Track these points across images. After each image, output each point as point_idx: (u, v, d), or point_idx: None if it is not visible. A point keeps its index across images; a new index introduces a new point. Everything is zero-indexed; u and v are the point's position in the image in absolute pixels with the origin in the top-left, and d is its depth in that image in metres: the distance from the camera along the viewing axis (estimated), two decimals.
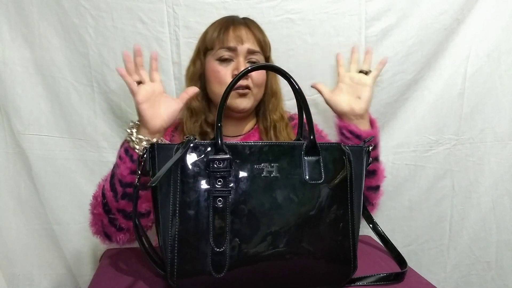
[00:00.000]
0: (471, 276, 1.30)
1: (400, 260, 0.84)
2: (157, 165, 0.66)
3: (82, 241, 1.20)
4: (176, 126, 1.05)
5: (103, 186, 0.85)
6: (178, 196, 0.65)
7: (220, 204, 0.65)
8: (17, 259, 1.17)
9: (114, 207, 0.83)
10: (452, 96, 1.23)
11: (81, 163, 1.19)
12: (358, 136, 0.98)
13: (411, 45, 1.18)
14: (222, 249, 0.64)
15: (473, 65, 1.21)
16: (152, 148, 0.67)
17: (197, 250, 0.64)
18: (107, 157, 1.19)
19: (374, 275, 0.75)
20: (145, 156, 0.68)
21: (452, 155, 1.26)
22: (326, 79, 1.20)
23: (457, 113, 1.23)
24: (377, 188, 1.04)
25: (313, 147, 0.70)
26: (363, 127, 1.00)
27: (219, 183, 0.65)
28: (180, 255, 0.64)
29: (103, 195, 0.83)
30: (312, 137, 0.70)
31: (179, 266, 0.64)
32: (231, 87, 0.69)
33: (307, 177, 0.69)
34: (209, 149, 0.67)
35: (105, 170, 1.18)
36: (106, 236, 0.88)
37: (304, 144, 0.70)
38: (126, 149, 0.83)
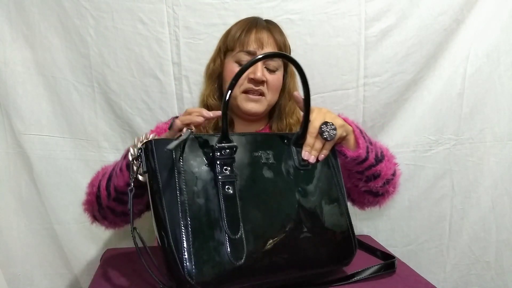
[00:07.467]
0: (470, 276, 1.31)
1: (385, 256, 0.87)
2: (157, 162, 0.64)
3: (83, 241, 1.20)
4: None
5: (100, 181, 0.84)
6: (184, 186, 0.63)
7: (229, 191, 0.65)
8: (17, 259, 1.17)
9: (105, 204, 0.84)
10: (451, 96, 1.23)
11: (82, 163, 1.19)
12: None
13: (411, 46, 1.19)
14: (238, 236, 0.64)
15: (473, 66, 1.22)
16: (149, 146, 0.65)
17: (213, 240, 0.63)
18: (108, 157, 1.19)
19: (369, 268, 0.77)
20: (139, 158, 0.66)
21: (451, 155, 1.26)
22: (326, 80, 1.21)
23: (456, 113, 1.24)
24: (386, 182, 0.93)
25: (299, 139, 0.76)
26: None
27: (226, 170, 0.66)
28: (195, 246, 0.61)
29: (98, 188, 0.84)
30: (302, 131, 0.75)
31: (197, 259, 0.61)
32: (239, 76, 0.67)
33: (297, 164, 0.75)
34: (210, 138, 0.68)
35: None
36: (94, 217, 0.90)
37: (294, 136, 0.76)
38: (128, 164, 0.79)
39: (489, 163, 1.26)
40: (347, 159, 0.85)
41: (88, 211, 0.90)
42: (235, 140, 0.68)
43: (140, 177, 0.69)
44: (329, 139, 0.77)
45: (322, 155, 0.78)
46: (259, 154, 0.71)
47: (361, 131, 0.88)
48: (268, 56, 0.86)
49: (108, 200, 0.82)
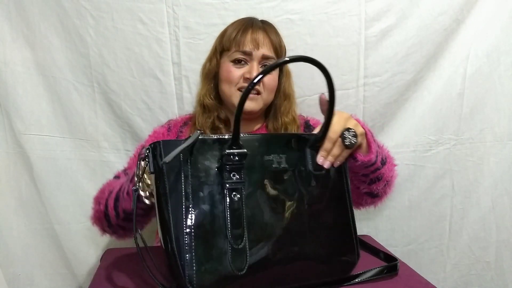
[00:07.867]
0: (470, 276, 1.31)
1: (388, 257, 0.86)
2: (164, 164, 0.62)
3: (83, 240, 1.21)
4: (185, 122, 1.06)
5: (107, 200, 0.84)
6: (190, 191, 0.61)
7: (235, 198, 0.63)
8: (18, 259, 1.17)
9: (114, 222, 0.84)
10: (451, 97, 1.23)
11: (82, 163, 1.19)
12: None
13: (411, 46, 1.19)
14: (241, 245, 0.62)
15: (473, 66, 1.22)
16: (158, 147, 0.63)
17: (216, 248, 0.61)
18: (108, 157, 1.20)
19: (370, 270, 0.76)
20: (147, 158, 0.64)
21: (451, 155, 1.26)
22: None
23: (456, 113, 1.24)
24: (386, 184, 0.94)
25: (317, 142, 0.72)
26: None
27: (234, 177, 0.63)
28: (198, 253, 0.60)
29: (106, 208, 0.84)
30: (322, 134, 0.72)
31: (198, 266, 0.60)
32: (263, 76, 0.63)
33: (311, 168, 0.71)
34: (220, 142, 0.65)
35: (106, 170, 1.19)
36: (104, 231, 0.90)
37: (313, 137, 0.72)
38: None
39: (489, 163, 1.26)
40: (357, 163, 0.82)
41: (97, 225, 0.90)
42: (246, 141, 0.65)
43: (147, 201, 0.69)
44: (350, 146, 0.74)
45: (338, 162, 0.74)
46: (271, 158, 0.68)
47: (372, 135, 0.87)
48: (293, 60, 0.76)
49: (117, 219, 0.83)
